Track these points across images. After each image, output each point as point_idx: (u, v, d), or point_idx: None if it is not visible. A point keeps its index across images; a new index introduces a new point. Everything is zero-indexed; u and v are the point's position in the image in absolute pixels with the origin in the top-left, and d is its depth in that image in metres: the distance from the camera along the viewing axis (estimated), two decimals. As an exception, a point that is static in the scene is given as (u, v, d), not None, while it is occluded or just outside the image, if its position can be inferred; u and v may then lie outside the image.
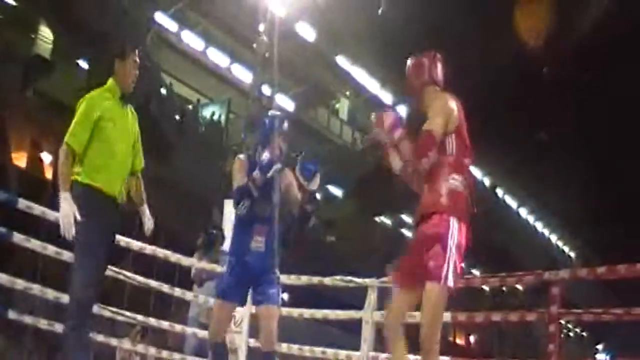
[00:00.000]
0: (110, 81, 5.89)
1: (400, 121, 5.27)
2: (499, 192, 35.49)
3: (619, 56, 24.91)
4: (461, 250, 4.89)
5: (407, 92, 5.38)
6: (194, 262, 10.29)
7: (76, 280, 5.54)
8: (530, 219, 29.41)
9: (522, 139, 27.41)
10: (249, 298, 6.83)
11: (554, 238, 31.97)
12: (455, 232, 4.87)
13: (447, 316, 8.53)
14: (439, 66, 5.33)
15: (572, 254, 32.23)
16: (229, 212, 10.51)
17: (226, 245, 10.32)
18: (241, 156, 6.60)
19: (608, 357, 29.59)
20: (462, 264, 4.94)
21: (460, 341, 35.88)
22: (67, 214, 5.47)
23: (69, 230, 5.46)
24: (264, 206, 6.38)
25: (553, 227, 31.40)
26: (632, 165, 25.82)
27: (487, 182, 34.50)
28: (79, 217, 5.48)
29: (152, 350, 9.72)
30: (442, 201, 4.94)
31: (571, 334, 30.10)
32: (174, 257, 9.46)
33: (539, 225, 30.69)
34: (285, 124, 6.47)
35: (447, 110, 5.04)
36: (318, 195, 6.56)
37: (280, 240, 6.50)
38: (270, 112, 6.73)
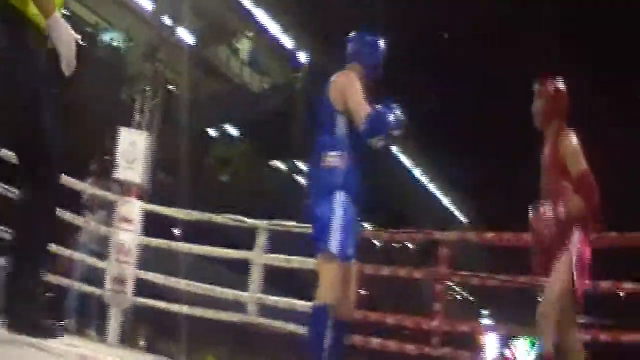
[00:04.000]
0: None
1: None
2: (394, 149, 35.92)
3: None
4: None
5: (542, 118, 5.56)
6: (87, 188, 10.06)
7: None
8: (424, 180, 29.80)
9: (421, 101, 27.69)
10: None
11: (446, 202, 32.53)
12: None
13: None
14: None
15: (464, 220, 32.88)
16: (124, 139, 10.30)
17: (121, 174, 10.14)
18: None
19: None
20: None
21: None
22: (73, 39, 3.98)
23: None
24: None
25: (446, 191, 31.93)
26: (521, 136, 26.30)
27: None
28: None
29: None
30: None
31: (458, 297, 30.85)
32: (66, 181, 9.18)
33: (433, 187, 31.17)
34: None
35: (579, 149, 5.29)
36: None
37: None
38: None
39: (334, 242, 5.07)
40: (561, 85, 5.56)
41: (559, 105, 5.50)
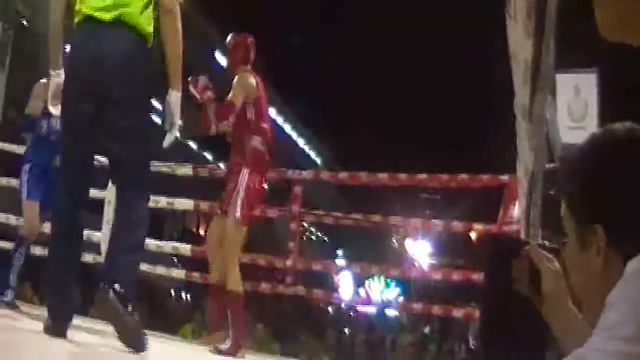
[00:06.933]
0: None
1: (209, 85, 6.00)
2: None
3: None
4: (254, 195, 6.00)
5: (228, 65, 6.35)
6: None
7: None
8: (279, 120, 29.87)
9: (276, 40, 27.54)
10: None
11: (301, 142, 32.74)
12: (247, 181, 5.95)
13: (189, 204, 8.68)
14: (252, 49, 6.30)
15: (318, 160, 33.23)
16: None
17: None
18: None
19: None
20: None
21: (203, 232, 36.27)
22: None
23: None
24: None
25: (300, 130, 32.10)
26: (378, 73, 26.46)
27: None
28: None
29: None
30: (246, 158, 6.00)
31: (313, 237, 31.27)
32: None
33: (287, 128, 31.29)
34: None
35: (247, 85, 6.00)
36: None
37: None
38: None
39: None
40: (240, 37, 6.35)
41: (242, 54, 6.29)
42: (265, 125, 6.17)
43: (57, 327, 4.10)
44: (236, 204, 5.88)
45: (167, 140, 4.38)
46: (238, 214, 5.87)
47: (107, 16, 4.12)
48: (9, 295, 6.46)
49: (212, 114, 6.01)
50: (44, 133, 6.45)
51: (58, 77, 4.36)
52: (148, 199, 4.37)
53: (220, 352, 5.60)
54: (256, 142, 6.06)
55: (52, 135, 6.32)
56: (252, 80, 6.08)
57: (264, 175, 6.20)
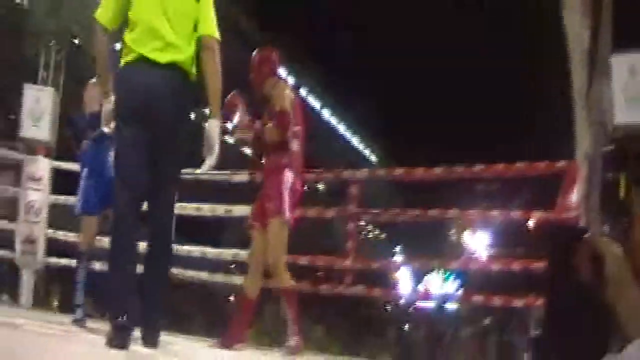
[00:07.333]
0: None
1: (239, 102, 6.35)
2: (302, 92, 35.83)
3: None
4: (297, 196, 6.23)
5: (254, 79, 6.39)
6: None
7: None
8: (333, 121, 29.79)
9: (325, 40, 27.53)
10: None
11: (355, 141, 32.65)
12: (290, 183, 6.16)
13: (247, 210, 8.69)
14: (278, 61, 6.53)
15: (373, 159, 33.08)
16: (29, 96, 10.13)
17: (26, 132, 9.99)
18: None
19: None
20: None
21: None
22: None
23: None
24: None
25: (355, 130, 32.01)
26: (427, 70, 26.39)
27: (290, 80, 34.57)
28: None
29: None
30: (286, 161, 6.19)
31: (370, 236, 31.23)
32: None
33: (341, 128, 31.24)
34: None
35: (288, 94, 6.26)
36: None
37: None
38: None
39: None
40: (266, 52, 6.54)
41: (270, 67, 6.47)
42: (301, 129, 6.33)
43: (119, 339, 4.20)
44: (282, 205, 6.05)
45: (205, 167, 4.71)
46: (286, 215, 6.05)
47: (161, 59, 4.51)
48: (79, 313, 6.53)
49: (257, 139, 6.33)
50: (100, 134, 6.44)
51: (109, 102, 4.66)
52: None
53: (290, 349, 5.86)
54: (295, 145, 6.24)
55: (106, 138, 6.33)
56: (288, 88, 6.43)
57: (303, 178, 6.48)
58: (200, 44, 4.68)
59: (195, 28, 4.67)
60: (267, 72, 6.39)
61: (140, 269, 4.50)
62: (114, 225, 4.60)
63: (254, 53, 6.50)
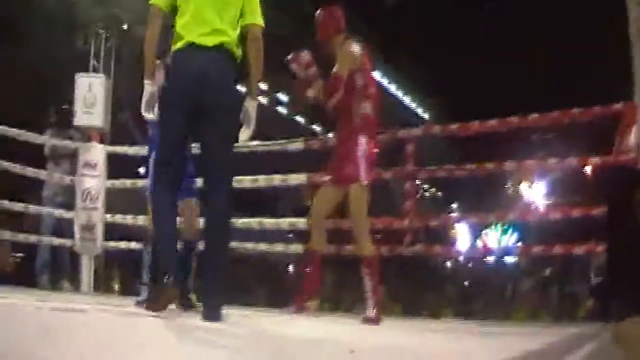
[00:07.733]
0: None
1: (312, 60, 6.22)
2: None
3: None
4: (372, 159, 6.15)
5: (320, 37, 6.32)
6: (47, 140, 10.02)
7: None
8: (384, 81, 29.60)
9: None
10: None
11: (407, 100, 32.43)
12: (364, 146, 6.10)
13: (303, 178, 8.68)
14: (343, 18, 6.37)
15: (426, 116, 32.83)
16: (81, 84, 10.25)
17: (80, 120, 10.10)
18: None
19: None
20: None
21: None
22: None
23: None
24: None
25: (406, 89, 31.78)
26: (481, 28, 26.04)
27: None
28: None
29: (7, 235, 9.49)
30: (359, 124, 6.13)
31: (427, 194, 31.10)
32: (26, 135, 9.25)
33: (393, 88, 31.04)
34: None
35: (353, 55, 6.11)
36: None
37: None
38: None
39: None
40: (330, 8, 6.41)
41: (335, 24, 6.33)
42: (373, 91, 6.23)
43: (158, 300, 4.68)
44: (359, 171, 6.01)
45: (244, 135, 4.95)
46: (364, 179, 6.01)
47: (209, 43, 4.74)
48: (143, 294, 6.60)
49: (316, 90, 6.22)
50: None
51: (151, 86, 4.91)
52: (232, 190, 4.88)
53: (368, 320, 5.72)
54: (366, 108, 6.15)
55: None
56: (356, 48, 6.18)
57: (376, 139, 6.30)
58: (247, 32, 4.90)
59: (240, 13, 4.89)
60: (333, 30, 6.28)
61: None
62: (154, 209, 5.03)
63: (317, 11, 6.40)
